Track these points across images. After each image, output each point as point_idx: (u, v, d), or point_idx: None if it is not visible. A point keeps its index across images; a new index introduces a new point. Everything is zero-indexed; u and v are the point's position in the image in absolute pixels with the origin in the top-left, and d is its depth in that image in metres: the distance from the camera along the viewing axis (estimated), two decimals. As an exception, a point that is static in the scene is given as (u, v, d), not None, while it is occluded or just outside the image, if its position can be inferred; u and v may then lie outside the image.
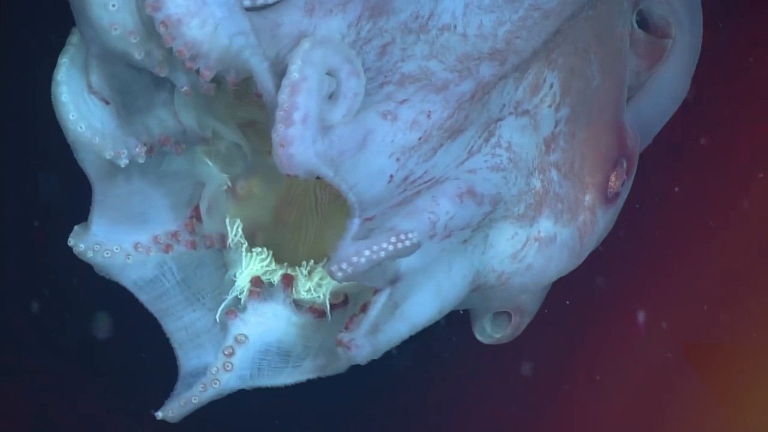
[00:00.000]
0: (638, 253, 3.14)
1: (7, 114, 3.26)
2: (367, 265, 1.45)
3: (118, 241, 1.70)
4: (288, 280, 1.70)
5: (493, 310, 1.81)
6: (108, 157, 1.60)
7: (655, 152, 1.98)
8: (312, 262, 1.72)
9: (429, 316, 1.58)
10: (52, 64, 1.61)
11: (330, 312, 1.69)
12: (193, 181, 1.73)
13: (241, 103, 1.72)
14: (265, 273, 1.71)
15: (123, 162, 1.60)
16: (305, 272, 1.71)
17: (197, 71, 1.47)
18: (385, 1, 1.50)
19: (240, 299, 1.70)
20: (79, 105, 1.58)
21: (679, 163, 3.04)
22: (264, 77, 1.45)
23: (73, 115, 1.58)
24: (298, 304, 1.71)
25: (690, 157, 3.04)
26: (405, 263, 1.52)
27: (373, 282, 1.53)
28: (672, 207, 3.12)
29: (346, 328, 1.55)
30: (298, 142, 1.41)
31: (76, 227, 1.71)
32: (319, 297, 1.69)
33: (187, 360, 1.72)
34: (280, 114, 1.41)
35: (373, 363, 1.57)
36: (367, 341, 1.52)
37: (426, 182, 1.52)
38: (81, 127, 1.58)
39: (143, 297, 1.73)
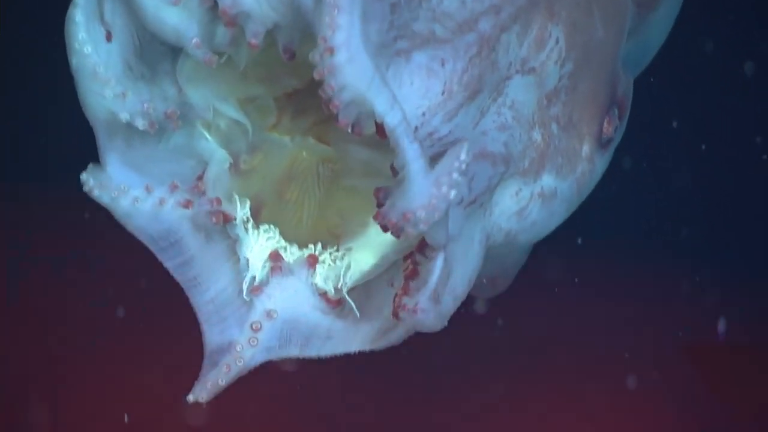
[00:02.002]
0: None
1: (8, 114, 3.26)
2: (461, 180, 1.39)
3: (129, 182, 1.63)
4: (312, 261, 1.66)
5: (489, 273, 1.77)
6: (110, 97, 1.55)
7: None
8: (319, 246, 1.68)
9: (465, 287, 1.56)
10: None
11: (347, 297, 1.64)
12: (194, 155, 1.68)
13: (244, 80, 1.68)
14: (277, 249, 1.67)
15: (124, 115, 1.56)
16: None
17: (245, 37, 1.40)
18: None
19: (255, 276, 1.66)
20: (90, 29, 1.53)
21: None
22: None
23: (82, 36, 1.53)
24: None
25: None
26: (450, 228, 1.47)
27: (442, 232, 1.46)
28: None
29: (401, 296, 1.50)
30: (347, 12, 1.32)
31: (90, 165, 1.64)
32: (329, 288, 1.65)
33: (211, 336, 1.66)
34: None
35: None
36: (432, 306, 1.48)
37: (451, 142, 1.48)
38: (87, 49, 1.53)
39: (169, 263, 1.67)
